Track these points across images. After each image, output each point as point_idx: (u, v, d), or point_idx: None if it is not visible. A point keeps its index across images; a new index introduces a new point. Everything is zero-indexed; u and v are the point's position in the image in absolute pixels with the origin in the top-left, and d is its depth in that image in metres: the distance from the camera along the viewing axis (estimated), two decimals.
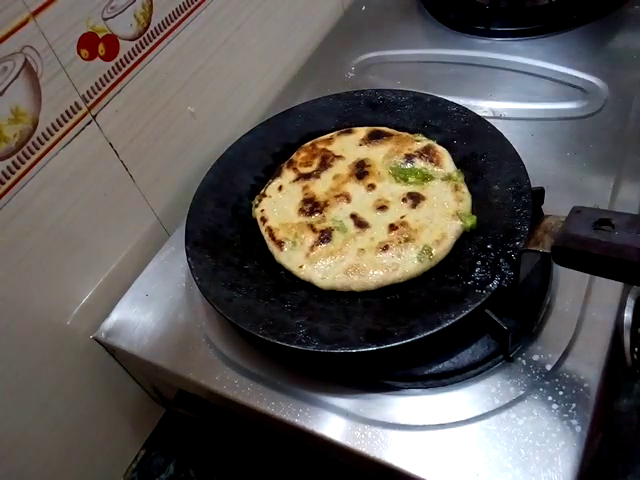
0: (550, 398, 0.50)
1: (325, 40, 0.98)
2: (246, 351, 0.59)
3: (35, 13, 0.54)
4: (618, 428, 0.65)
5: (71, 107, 0.60)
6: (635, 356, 0.55)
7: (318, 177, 0.67)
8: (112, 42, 0.63)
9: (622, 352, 0.54)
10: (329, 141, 0.71)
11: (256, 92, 0.88)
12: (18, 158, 0.56)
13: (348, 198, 0.64)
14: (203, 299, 0.60)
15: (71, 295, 0.66)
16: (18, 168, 0.56)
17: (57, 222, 0.62)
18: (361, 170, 0.66)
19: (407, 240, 0.58)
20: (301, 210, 0.64)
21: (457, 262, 0.57)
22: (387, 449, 0.50)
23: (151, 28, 0.67)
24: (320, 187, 0.66)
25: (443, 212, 0.60)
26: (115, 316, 0.66)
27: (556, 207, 0.59)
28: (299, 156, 0.70)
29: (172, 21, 0.69)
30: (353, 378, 0.55)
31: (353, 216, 0.62)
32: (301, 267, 0.59)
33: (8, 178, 0.56)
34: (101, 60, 0.62)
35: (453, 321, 0.51)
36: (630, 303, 0.55)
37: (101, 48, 0.62)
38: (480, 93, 0.78)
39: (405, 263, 0.57)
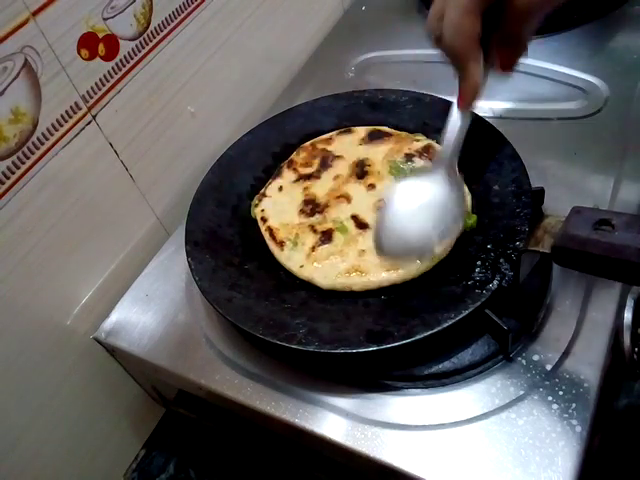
0: (550, 398, 0.50)
1: (325, 40, 0.97)
2: (246, 351, 0.59)
3: (35, 13, 0.54)
4: (618, 428, 0.65)
5: (71, 107, 0.60)
6: (635, 356, 0.55)
7: (318, 178, 0.67)
8: (112, 42, 0.63)
9: (622, 352, 0.54)
10: (329, 141, 0.71)
11: (256, 92, 0.88)
12: (18, 158, 0.56)
13: (348, 199, 0.64)
14: (203, 299, 0.60)
15: (71, 295, 0.66)
16: (18, 168, 0.56)
17: (57, 222, 0.62)
18: (361, 170, 0.66)
19: None
20: (302, 211, 0.64)
21: (457, 262, 0.57)
22: (387, 449, 0.50)
23: (151, 28, 0.67)
24: (320, 188, 0.66)
25: None
26: (115, 316, 0.66)
27: (556, 207, 0.59)
28: (299, 156, 0.70)
29: (172, 21, 0.70)
30: (353, 378, 0.55)
31: (354, 217, 0.62)
32: (302, 267, 0.59)
33: (8, 178, 0.56)
34: (101, 60, 0.62)
35: (453, 321, 0.51)
36: (630, 303, 0.55)
37: (101, 48, 0.62)
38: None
39: (405, 263, 0.57)
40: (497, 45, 0.52)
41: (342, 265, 0.58)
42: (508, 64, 0.54)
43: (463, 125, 0.55)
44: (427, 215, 0.54)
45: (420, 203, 0.55)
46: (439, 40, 0.51)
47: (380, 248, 0.55)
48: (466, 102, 0.54)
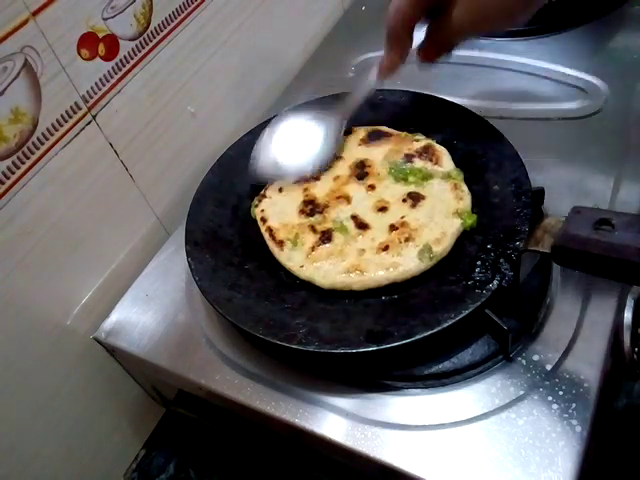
0: (550, 398, 0.50)
1: (325, 40, 0.98)
2: (246, 351, 0.59)
3: (35, 13, 0.55)
4: (618, 428, 0.65)
5: (71, 107, 0.60)
6: (635, 356, 0.55)
7: (318, 179, 0.67)
8: (112, 42, 0.63)
9: (622, 352, 0.54)
10: None
11: (256, 92, 0.88)
12: (18, 158, 0.56)
13: (348, 199, 0.64)
14: (203, 299, 0.60)
15: (71, 295, 0.67)
16: (18, 168, 0.56)
17: (57, 222, 0.62)
18: (361, 171, 0.66)
19: (407, 240, 0.58)
20: (302, 211, 0.64)
21: (457, 262, 0.57)
22: (387, 449, 0.50)
23: (151, 28, 0.67)
24: (320, 189, 0.66)
25: (443, 211, 0.60)
26: (115, 316, 0.66)
27: (556, 207, 0.59)
28: None
29: (172, 21, 0.70)
30: (353, 378, 0.55)
31: (354, 217, 0.62)
32: (302, 267, 0.59)
33: (8, 178, 0.56)
34: (101, 60, 0.62)
35: (453, 321, 0.51)
36: (630, 303, 0.55)
37: (101, 48, 0.62)
38: (480, 93, 0.78)
39: (406, 262, 0.57)
40: (428, 38, 0.57)
41: (342, 264, 0.58)
42: (428, 57, 0.59)
43: (370, 91, 0.64)
44: (305, 145, 0.65)
45: (305, 135, 0.66)
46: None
47: (256, 168, 0.66)
48: (384, 74, 0.61)
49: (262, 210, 0.66)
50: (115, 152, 0.67)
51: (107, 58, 0.63)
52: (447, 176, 0.63)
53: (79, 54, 0.60)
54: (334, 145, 0.66)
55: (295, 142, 0.67)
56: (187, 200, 0.67)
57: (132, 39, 0.65)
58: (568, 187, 0.65)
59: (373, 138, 0.70)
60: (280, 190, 0.67)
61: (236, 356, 0.59)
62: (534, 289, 0.57)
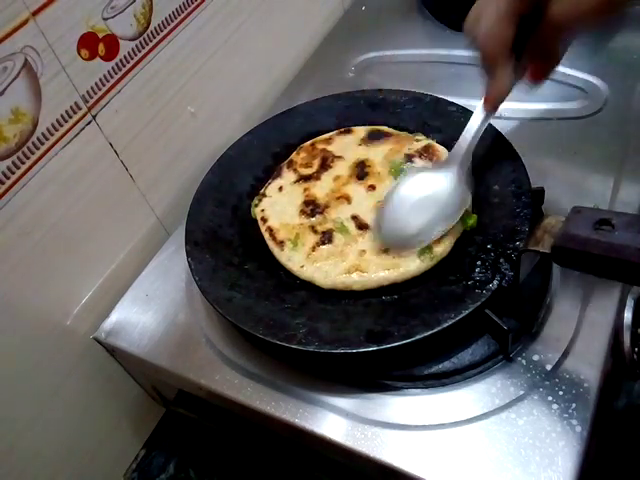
0: (550, 398, 0.50)
1: (325, 40, 0.98)
2: (246, 351, 0.59)
3: (35, 13, 0.54)
4: (618, 428, 0.65)
5: (71, 107, 0.60)
6: (635, 356, 0.55)
7: (318, 179, 0.67)
8: (112, 42, 0.63)
9: (622, 352, 0.54)
10: (328, 141, 0.71)
11: (256, 92, 0.88)
12: (18, 158, 0.56)
13: (349, 200, 0.64)
14: (203, 299, 0.60)
15: (71, 295, 0.66)
16: (18, 168, 0.56)
17: (57, 222, 0.62)
18: (361, 171, 0.66)
19: None
20: (302, 212, 0.64)
21: (457, 262, 0.57)
22: (387, 449, 0.50)
23: (151, 28, 0.67)
24: (321, 189, 0.66)
25: None
26: (115, 316, 0.66)
27: (556, 207, 0.59)
28: (299, 156, 0.70)
29: (172, 21, 0.70)
30: (353, 378, 0.55)
31: (354, 217, 0.62)
32: (302, 267, 0.59)
33: (8, 178, 0.56)
34: (101, 60, 0.62)
35: (453, 321, 0.51)
36: (630, 303, 0.55)
37: (101, 48, 0.62)
38: (480, 93, 0.78)
39: (406, 262, 0.57)
40: (529, 54, 0.53)
41: (342, 265, 0.58)
42: (538, 75, 0.55)
43: (482, 125, 0.57)
44: (429, 207, 0.57)
45: (426, 194, 0.58)
46: (474, 42, 0.53)
47: (379, 231, 0.58)
48: (491, 104, 0.56)
49: (262, 210, 0.66)
50: (115, 152, 0.67)
51: (107, 58, 0.63)
52: None
53: (79, 54, 0.60)
54: (461, 201, 0.58)
55: (420, 204, 0.58)
56: (187, 200, 0.67)
57: (132, 39, 0.65)
58: (568, 187, 0.65)
59: (373, 138, 0.70)
60: (280, 189, 0.67)
61: (236, 356, 0.59)
62: (534, 289, 0.57)
